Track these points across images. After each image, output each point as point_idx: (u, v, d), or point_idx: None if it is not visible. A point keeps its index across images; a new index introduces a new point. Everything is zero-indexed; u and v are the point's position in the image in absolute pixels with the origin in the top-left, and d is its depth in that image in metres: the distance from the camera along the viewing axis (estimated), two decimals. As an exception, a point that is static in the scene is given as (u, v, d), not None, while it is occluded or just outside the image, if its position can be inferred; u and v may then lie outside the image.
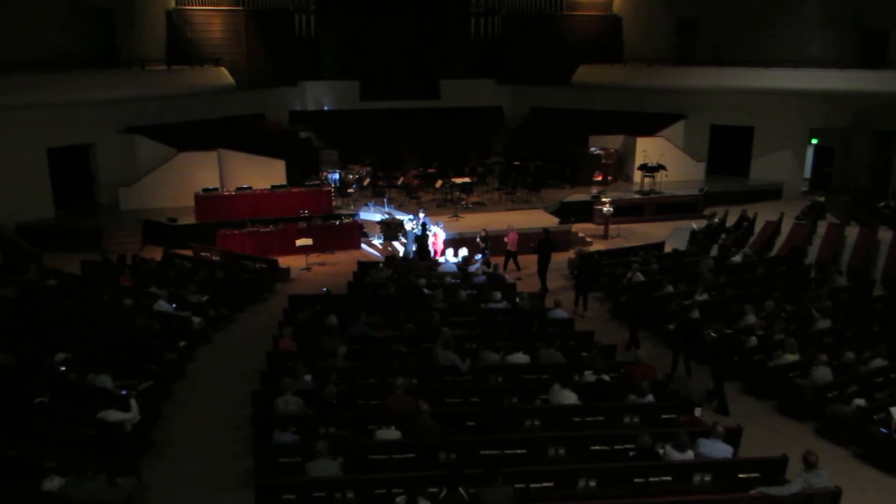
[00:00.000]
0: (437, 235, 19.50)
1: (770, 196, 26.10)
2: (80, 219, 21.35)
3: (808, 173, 28.27)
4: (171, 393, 11.72)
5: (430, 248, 19.14)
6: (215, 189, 22.00)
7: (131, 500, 8.29)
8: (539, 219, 21.41)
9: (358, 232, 20.92)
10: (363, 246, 20.71)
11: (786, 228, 20.96)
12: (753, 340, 12.49)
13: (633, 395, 10.05)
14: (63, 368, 10.79)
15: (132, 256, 17.71)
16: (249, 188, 21.94)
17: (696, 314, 13.29)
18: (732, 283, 15.66)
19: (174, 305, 14.27)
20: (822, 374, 11.00)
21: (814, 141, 27.87)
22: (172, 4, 25.55)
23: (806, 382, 11.04)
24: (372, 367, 11.19)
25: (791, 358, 11.65)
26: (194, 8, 25.74)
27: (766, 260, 17.66)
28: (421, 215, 19.74)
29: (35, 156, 20.79)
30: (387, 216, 21.67)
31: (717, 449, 8.71)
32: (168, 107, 24.22)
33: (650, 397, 10.05)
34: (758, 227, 21.10)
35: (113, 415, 9.47)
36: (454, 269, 17.09)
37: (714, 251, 18.74)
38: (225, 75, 25.55)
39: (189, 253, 18.79)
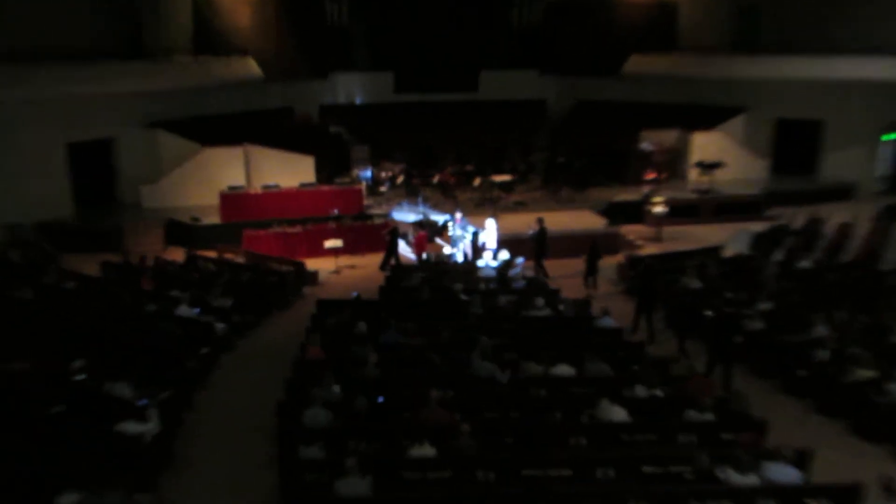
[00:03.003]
0: (420, 235, 19.55)
1: (842, 196, 25.37)
2: (101, 218, 21.75)
3: (885, 171, 27.45)
4: (192, 403, 11.80)
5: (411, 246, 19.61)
6: (241, 187, 22.29)
7: (149, 517, 8.33)
8: (585, 220, 21.19)
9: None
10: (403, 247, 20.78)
11: (860, 231, 20.36)
12: (824, 354, 12.13)
13: (689, 412, 9.83)
14: (80, 376, 10.92)
15: (154, 258, 17.96)
16: (277, 186, 22.16)
17: (758, 325, 13.00)
18: (800, 291, 15.28)
19: (197, 310, 14.40)
20: (902, 391, 10.62)
21: (892, 136, 27.07)
22: (199, -8, 25.97)
23: (883, 400, 10.68)
24: (404, 378, 11.14)
25: (866, 374, 11.29)
26: (221, -4, 26.12)
27: (837, 266, 17.20)
28: (458, 216, 19.68)
29: (54, 151, 21.24)
30: (421, 216, 21.65)
31: (784, 473, 8.44)
32: (193, 100, 24.56)
33: (709, 414, 9.80)
34: (828, 230, 20.55)
35: (131, 426, 9.53)
36: (493, 273, 16.99)
37: (779, 256, 18.31)
38: (252, 67, 25.82)
39: (213, 254, 19.01)
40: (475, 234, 19.17)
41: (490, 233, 19.27)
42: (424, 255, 19.03)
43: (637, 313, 14.84)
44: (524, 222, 19.48)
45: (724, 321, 12.66)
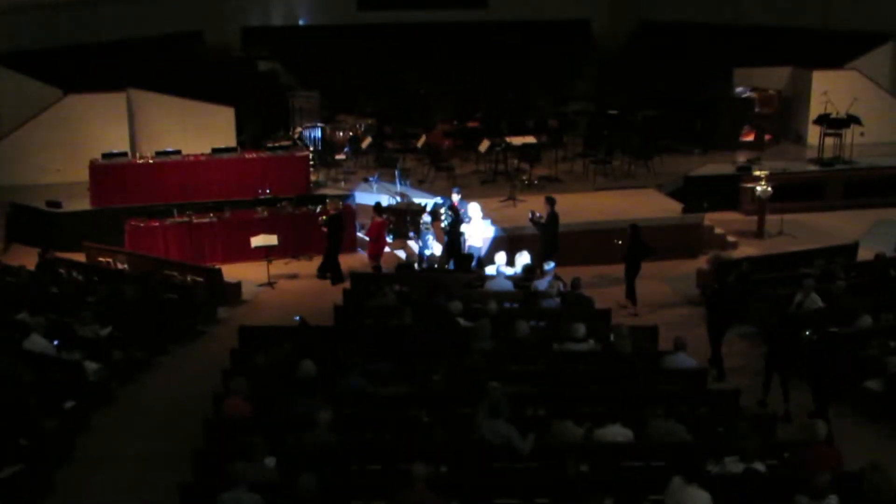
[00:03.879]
0: (376, 223, 19.56)
1: None
2: None
3: None
4: (52, 483, 11.76)
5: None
6: (123, 154, 22.25)
7: None
8: (649, 204, 21.34)
9: (354, 227, 21.09)
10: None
11: None
12: None
13: (804, 498, 9.91)
14: None
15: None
16: (178, 153, 22.20)
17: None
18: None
19: (56, 343, 14.39)
20: None
21: None
22: None
23: None
24: (374, 445, 11.21)
25: None
26: None
27: None
28: (455, 197, 19.71)
29: None
30: (398, 198, 21.68)
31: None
32: (49, 21, 24.50)
33: (833, 499, 9.90)
34: None
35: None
36: (509, 285, 17.10)
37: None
38: (140, -31, 25.89)
39: (80, 258, 19.05)
40: (453, 225, 19.18)
41: (475, 224, 19.37)
42: (403, 255, 19.10)
43: (713, 344, 15.08)
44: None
45: (830, 346, 12.95)
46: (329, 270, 19.40)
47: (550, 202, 18.63)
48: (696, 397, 12.84)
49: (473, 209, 19.39)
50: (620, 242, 17.77)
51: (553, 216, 18.51)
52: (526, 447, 10.89)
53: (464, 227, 19.19)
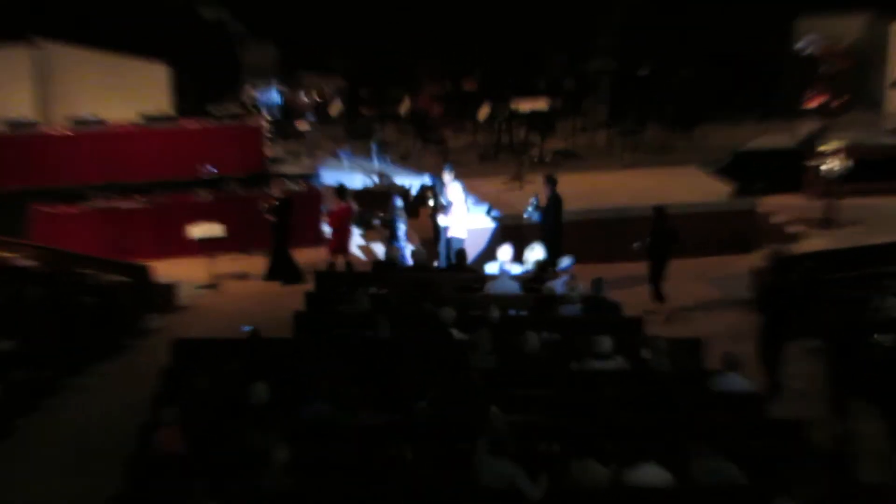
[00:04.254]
0: (340, 208, 19.63)
1: None
2: None
3: None
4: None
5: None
6: (29, 122, 22.28)
7: None
8: (690, 185, 21.36)
9: (320, 212, 21.00)
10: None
11: None
12: None
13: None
14: None
15: None
16: (100, 122, 22.22)
17: None
18: None
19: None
20: None
21: None
22: None
23: None
24: (343, 490, 11.05)
25: None
26: None
27: None
28: (447, 177, 19.61)
29: None
30: (376, 178, 21.61)
31: None
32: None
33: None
34: None
35: None
36: (515, 287, 17.01)
37: None
38: None
39: (-26, 252, 18.89)
40: (437, 208, 19.19)
41: (455, 207, 19.25)
42: (396, 252, 19.04)
43: (769, 360, 15.03)
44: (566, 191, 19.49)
45: None
46: (279, 269, 19.25)
47: (551, 183, 18.60)
48: (751, 429, 12.69)
49: (454, 191, 19.25)
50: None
51: (555, 200, 18.44)
52: (536, 492, 10.77)
53: (441, 216, 19.21)
